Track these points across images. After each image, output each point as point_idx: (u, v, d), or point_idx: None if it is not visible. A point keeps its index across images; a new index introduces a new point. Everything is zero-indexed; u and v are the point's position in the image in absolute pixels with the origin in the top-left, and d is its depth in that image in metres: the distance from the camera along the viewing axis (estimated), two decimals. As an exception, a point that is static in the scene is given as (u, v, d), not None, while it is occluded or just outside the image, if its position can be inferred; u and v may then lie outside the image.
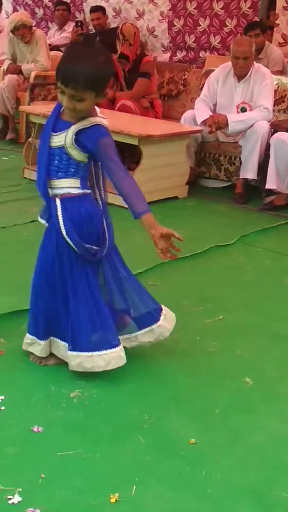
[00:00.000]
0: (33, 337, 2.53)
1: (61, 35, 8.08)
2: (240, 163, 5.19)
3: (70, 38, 7.91)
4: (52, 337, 2.54)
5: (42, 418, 2.21)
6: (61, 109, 2.36)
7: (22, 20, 6.72)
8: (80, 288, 2.41)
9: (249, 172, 5.08)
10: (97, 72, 2.20)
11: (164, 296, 3.27)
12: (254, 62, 5.28)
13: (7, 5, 8.85)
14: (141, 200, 2.29)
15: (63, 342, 2.50)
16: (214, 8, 7.28)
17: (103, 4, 7.98)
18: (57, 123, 2.35)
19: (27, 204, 4.59)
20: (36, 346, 2.53)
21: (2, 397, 2.30)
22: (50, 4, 8.60)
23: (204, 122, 5.16)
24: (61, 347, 2.52)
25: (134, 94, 5.79)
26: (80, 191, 2.37)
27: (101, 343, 2.41)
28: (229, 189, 5.41)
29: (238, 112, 5.22)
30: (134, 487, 1.92)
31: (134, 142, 4.70)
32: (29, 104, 6.43)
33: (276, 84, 5.55)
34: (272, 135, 4.96)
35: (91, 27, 8.04)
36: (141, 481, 1.95)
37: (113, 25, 7.82)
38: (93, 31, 7.90)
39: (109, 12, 7.97)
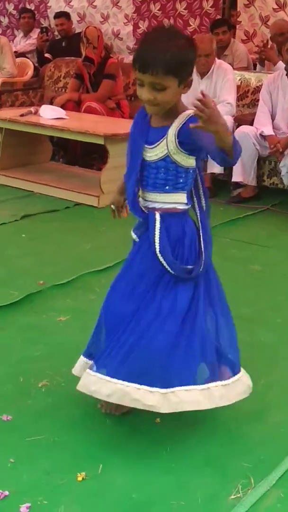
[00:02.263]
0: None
1: (26, 42, 8.13)
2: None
3: (36, 45, 7.97)
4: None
5: (11, 408, 2.26)
6: (149, 116, 2.06)
7: (-15, 29, 6.78)
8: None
9: (215, 166, 5.14)
10: (177, 54, 1.91)
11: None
12: (216, 58, 5.37)
13: (-28, 15, 8.91)
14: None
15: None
16: (177, 8, 7.38)
17: (67, 9, 8.05)
18: (149, 133, 2.04)
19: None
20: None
21: (-29, 390, 2.36)
22: (14, 12, 8.66)
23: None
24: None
25: (100, 96, 5.85)
26: (186, 207, 2.11)
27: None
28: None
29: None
30: (101, 465, 1.99)
31: (100, 141, 4.76)
32: (-4, 111, 6.48)
33: (239, 80, 5.66)
34: (236, 129, 5.06)
35: (56, 33, 8.11)
36: (108, 460, 2.01)
37: (78, 30, 7.87)
38: (59, 36, 7.98)
39: (74, 18, 8.03)
